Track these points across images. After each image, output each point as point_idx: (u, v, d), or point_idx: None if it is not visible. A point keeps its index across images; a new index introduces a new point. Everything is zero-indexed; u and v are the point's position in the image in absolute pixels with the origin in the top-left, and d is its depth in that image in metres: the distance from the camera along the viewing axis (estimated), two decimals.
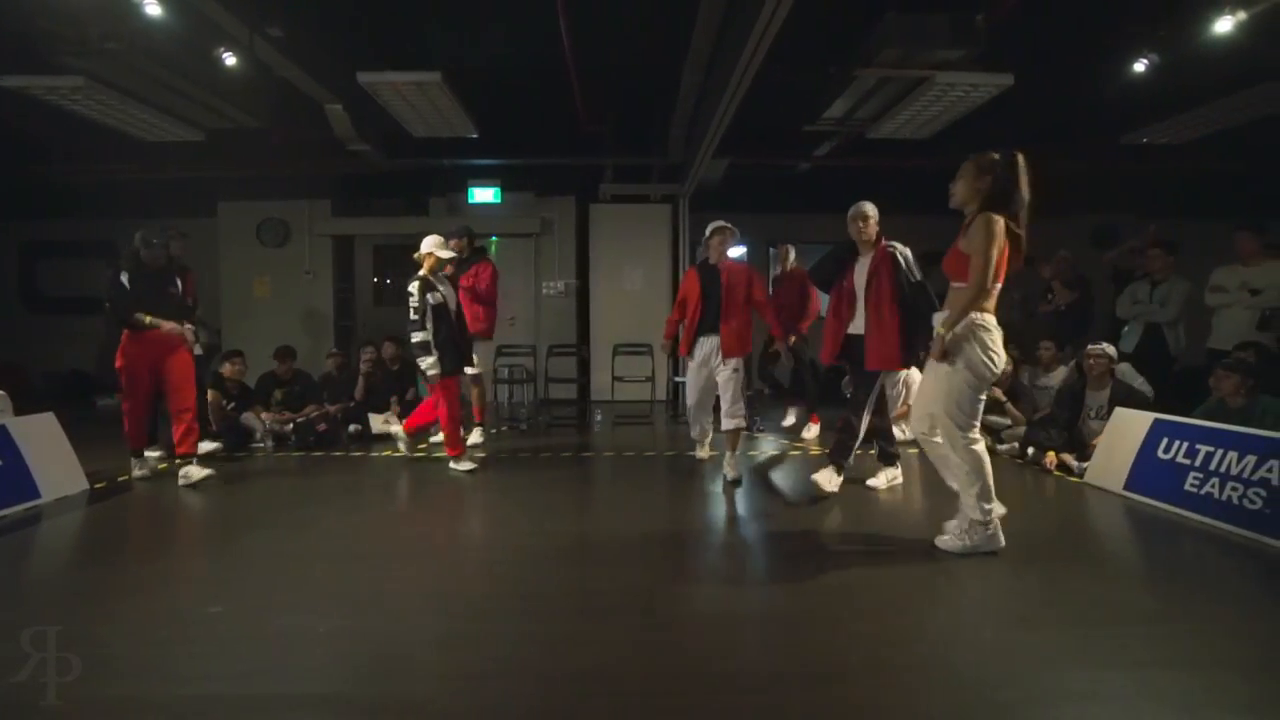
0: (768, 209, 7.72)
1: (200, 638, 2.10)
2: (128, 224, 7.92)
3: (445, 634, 2.15)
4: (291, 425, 5.06)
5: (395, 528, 3.36)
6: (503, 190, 7.40)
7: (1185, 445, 3.33)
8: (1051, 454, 4.10)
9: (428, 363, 4.07)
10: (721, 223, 4.05)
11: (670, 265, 7.44)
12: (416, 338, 4.04)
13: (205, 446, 4.37)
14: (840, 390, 5.90)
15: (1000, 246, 2.54)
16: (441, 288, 4.19)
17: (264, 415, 5.10)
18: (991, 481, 2.69)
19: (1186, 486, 3.24)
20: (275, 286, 7.61)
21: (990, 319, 2.62)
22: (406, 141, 6.17)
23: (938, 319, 2.74)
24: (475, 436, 4.94)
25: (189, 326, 4.14)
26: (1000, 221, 2.55)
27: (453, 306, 4.25)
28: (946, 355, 2.62)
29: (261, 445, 4.98)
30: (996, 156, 2.66)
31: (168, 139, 5.69)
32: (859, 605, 2.32)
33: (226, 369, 5.03)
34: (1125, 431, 3.69)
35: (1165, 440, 3.44)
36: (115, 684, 1.84)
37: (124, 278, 3.86)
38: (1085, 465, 3.90)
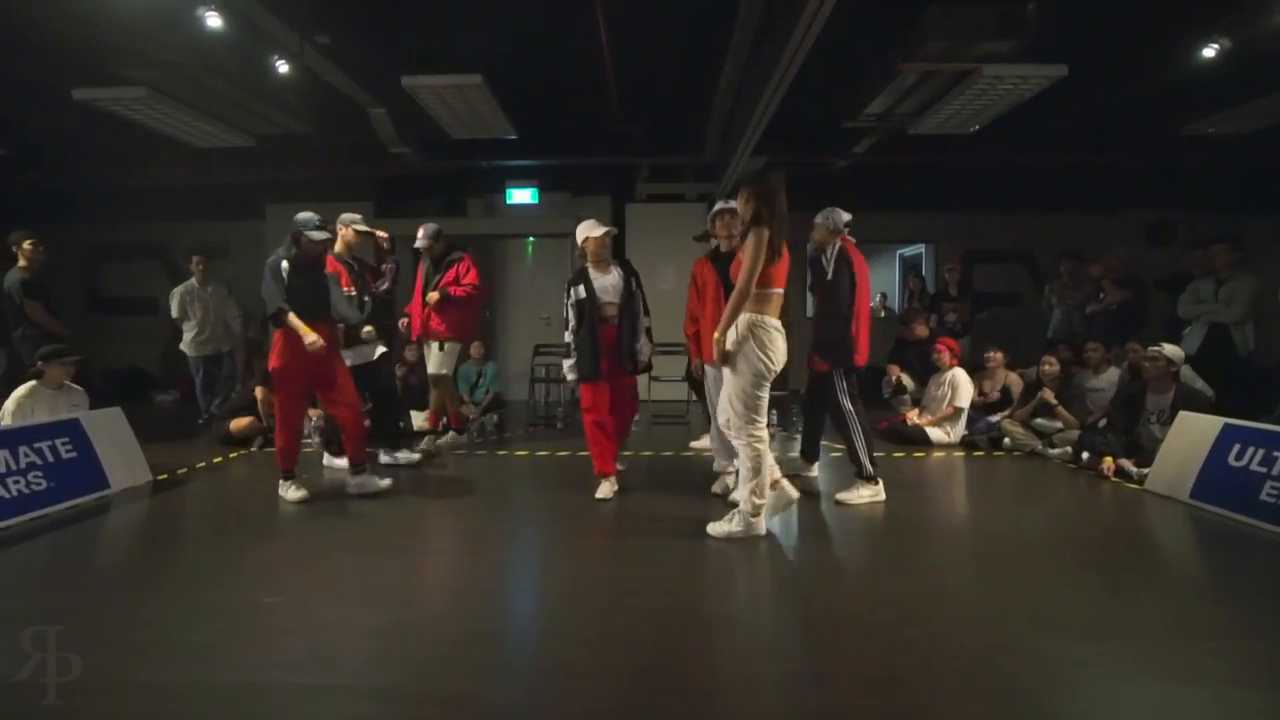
0: (804, 207, 7.61)
1: (257, 627, 2.18)
2: (180, 227, 8.35)
3: (491, 629, 2.18)
4: None
5: (438, 522, 3.43)
6: (539, 191, 7.46)
7: (1261, 452, 3.15)
8: (1109, 460, 3.93)
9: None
10: (725, 203, 3.71)
11: None
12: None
13: (404, 456, 4.41)
14: (881, 392, 5.81)
15: (761, 256, 2.80)
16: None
17: (311, 412, 5.24)
18: (768, 477, 2.89)
19: (1263, 496, 3.06)
20: None
21: (770, 320, 2.86)
22: (445, 143, 6.27)
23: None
24: (424, 444, 4.83)
25: (369, 329, 4.07)
26: (764, 234, 2.80)
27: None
28: (728, 358, 2.85)
29: (308, 441, 5.12)
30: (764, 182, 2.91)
31: (219, 144, 5.90)
32: (909, 610, 2.26)
33: None
34: (1191, 437, 3.52)
35: (1237, 446, 3.27)
36: (181, 668, 1.92)
37: (284, 267, 3.47)
38: (1145, 472, 3.73)
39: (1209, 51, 4.26)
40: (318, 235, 3.55)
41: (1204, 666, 1.90)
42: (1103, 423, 4.29)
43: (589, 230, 3.59)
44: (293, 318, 3.43)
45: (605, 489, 3.59)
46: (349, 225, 4.33)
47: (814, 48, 3.64)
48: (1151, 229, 7.62)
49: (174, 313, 6.22)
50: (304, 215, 3.58)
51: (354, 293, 4.04)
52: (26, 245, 4.94)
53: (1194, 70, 4.52)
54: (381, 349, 4.47)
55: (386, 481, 3.75)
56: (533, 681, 1.88)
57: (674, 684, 1.85)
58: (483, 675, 1.90)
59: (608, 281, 3.59)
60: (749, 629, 2.22)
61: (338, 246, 4.15)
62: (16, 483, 3.25)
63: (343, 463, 4.05)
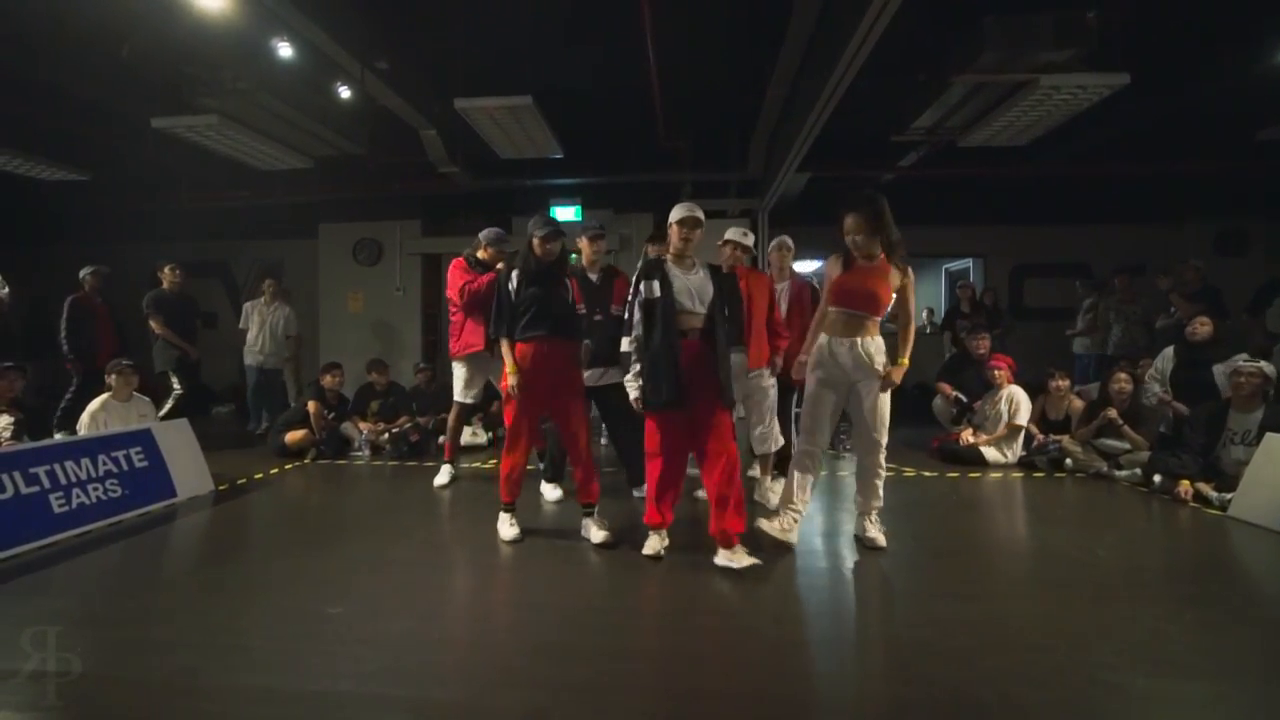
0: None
1: (325, 636, 2.21)
2: (239, 245, 8.73)
3: (550, 645, 2.16)
4: (386, 435, 5.31)
5: (488, 536, 3.44)
6: (583, 208, 7.56)
7: None
8: (1185, 483, 3.73)
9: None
10: (743, 236, 3.79)
11: None
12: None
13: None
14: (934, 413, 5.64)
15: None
16: None
17: (361, 425, 5.38)
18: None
19: None
20: (368, 302, 8.06)
21: None
22: (492, 162, 6.43)
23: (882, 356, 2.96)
24: (443, 476, 4.29)
25: (587, 344, 3.31)
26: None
27: None
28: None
29: (359, 454, 5.25)
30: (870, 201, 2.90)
31: (281, 167, 6.17)
32: (985, 637, 2.17)
33: (327, 380, 5.35)
34: (1278, 460, 3.31)
35: None
36: (257, 674, 1.97)
37: (513, 279, 3.07)
38: (1228, 497, 3.52)
39: None
40: (542, 234, 3.04)
41: None
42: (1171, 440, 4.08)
43: (681, 213, 2.85)
44: (504, 346, 3.05)
45: (654, 544, 2.91)
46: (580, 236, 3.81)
47: (865, 62, 3.62)
48: (1220, 239, 7.30)
49: (240, 323, 6.58)
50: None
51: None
52: (166, 270, 5.70)
53: (1269, 73, 4.33)
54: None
55: (604, 534, 3.08)
56: (600, 700, 1.86)
57: (740, 706, 1.81)
58: (551, 691, 1.88)
59: (691, 282, 2.83)
60: (817, 651, 2.15)
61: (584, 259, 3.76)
62: (96, 489, 3.41)
63: (556, 493, 3.81)
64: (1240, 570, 3.00)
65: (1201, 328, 4.61)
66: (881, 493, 3.06)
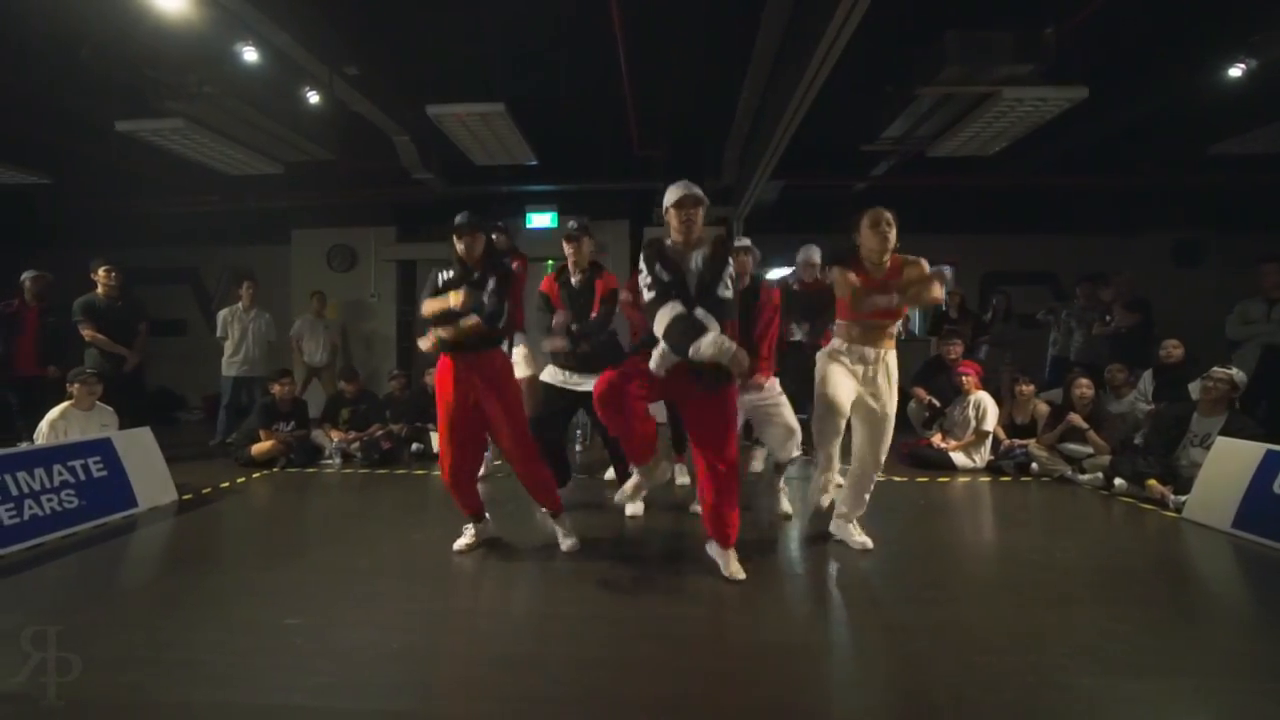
0: (823, 229, 7.64)
1: (279, 649, 2.17)
2: (209, 251, 8.58)
3: (511, 655, 2.15)
4: (358, 443, 5.24)
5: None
6: (559, 214, 7.57)
7: None
8: (1154, 481, 3.82)
9: None
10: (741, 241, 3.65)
11: None
12: None
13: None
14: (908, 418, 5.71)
15: None
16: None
17: (332, 433, 5.31)
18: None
19: None
20: (343, 309, 7.97)
21: None
22: (467, 169, 6.40)
23: None
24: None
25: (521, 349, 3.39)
26: None
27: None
28: None
29: (330, 462, 5.17)
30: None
31: (250, 172, 6.08)
32: (945, 642, 2.19)
33: (276, 389, 5.23)
34: (1230, 463, 3.41)
35: None
36: (206, 689, 1.92)
37: (442, 274, 2.96)
38: (1183, 499, 3.62)
39: (1235, 71, 4.23)
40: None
41: (1258, 710, 1.82)
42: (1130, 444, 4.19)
43: (677, 193, 2.69)
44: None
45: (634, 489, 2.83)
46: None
47: (832, 72, 3.69)
48: (1177, 250, 7.52)
49: (218, 331, 6.42)
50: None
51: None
52: (100, 272, 5.22)
53: (1219, 90, 4.50)
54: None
55: (571, 540, 3.13)
56: (557, 710, 1.85)
57: (700, 716, 1.81)
58: (511, 702, 1.87)
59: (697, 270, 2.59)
60: (776, 658, 2.16)
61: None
62: (50, 500, 3.31)
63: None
64: (1191, 571, 3.08)
65: (1175, 350, 4.76)
66: (867, 500, 3.12)
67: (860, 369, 2.93)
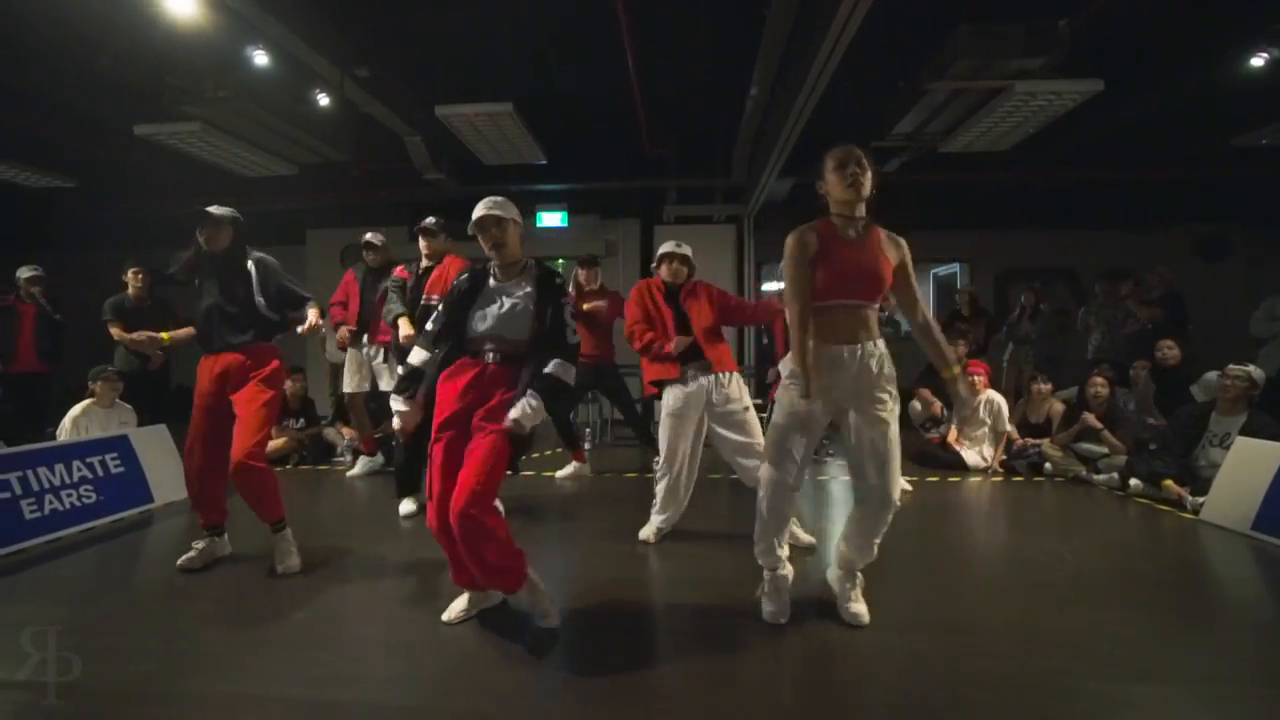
0: None
1: (283, 641, 2.21)
2: None
3: (508, 648, 2.16)
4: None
5: None
6: (569, 214, 7.60)
7: None
8: (1170, 482, 3.73)
9: None
10: (677, 247, 3.30)
11: (734, 286, 7.40)
12: None
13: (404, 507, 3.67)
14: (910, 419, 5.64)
15: None
16: None
17: (345, 431, 5.38)
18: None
19: None
20: None
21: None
22: (477, 169, 6.45)
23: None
24: (360, 467, 4.80)
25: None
26: None
27: None
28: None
29: (342, 460, 5.24)
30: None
31: (265, 174, 6.18)
32: (946, 643, 2.16)
33: (287, 387, 5.29)
34: (1250, 464, 3.31)
35: None
36: (219, 680, 1.96)
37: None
38: (1201, 500, 3.53)
39: (1257, 61, 4.13)
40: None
41: (1276, 718, 1.77)
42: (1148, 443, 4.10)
43: (477, 212, 2.43)
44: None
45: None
46: None
47: (840, 68, 3.66)
48: (1202, 244, 7.35)
49: None
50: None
51: None
52: (130, 274, 5.34)
53: (1241, 81, 4.38)
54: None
55: (292, 559, 2.87)
56: (553, 703, 1.86)
57: (689, 710, 1.81)
58: (503, 696, 1.88)
59: (504, 300, 2.41)
60: (773, 653, 2.15)
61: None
62: (69, 495, 3.40)
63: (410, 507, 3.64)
64: (1209, 574, 3.01)
65: (1169, 351, 4.66)
66: (876, 551, 2.32)
67: (841, 375, 2.10)
